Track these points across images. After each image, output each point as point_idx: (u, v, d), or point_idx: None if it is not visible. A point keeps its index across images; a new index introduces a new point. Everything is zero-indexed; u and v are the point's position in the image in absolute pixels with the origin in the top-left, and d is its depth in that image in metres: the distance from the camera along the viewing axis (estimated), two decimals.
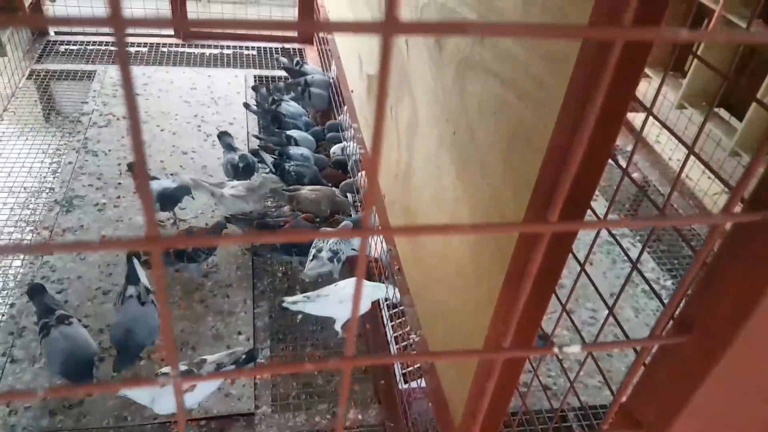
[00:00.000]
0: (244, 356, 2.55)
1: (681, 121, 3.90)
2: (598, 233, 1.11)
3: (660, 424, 0.48)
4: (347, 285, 2.82)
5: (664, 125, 1.02)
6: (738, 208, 0.40)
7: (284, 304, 2.80)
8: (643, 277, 0.96)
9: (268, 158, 3.66)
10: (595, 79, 0.86)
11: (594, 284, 1.03)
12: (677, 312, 0.47)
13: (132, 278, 2.59)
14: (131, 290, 2.56)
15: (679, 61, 3.91)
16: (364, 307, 2.79)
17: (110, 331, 2.57)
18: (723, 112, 3.55)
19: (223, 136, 3.70)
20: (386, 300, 2.80)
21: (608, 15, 0.81)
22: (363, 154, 2.76)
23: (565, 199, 1.03)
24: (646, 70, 3.97)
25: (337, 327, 2.90)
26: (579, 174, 0.99)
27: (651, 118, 1.04)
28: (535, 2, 1.10)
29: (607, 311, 1.13)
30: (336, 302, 2.77)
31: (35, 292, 2.59)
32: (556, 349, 0.40)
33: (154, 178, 3.34)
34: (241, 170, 3.51)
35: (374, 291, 2.75)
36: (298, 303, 2.78)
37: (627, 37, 0.29)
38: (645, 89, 4.38)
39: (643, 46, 0.85)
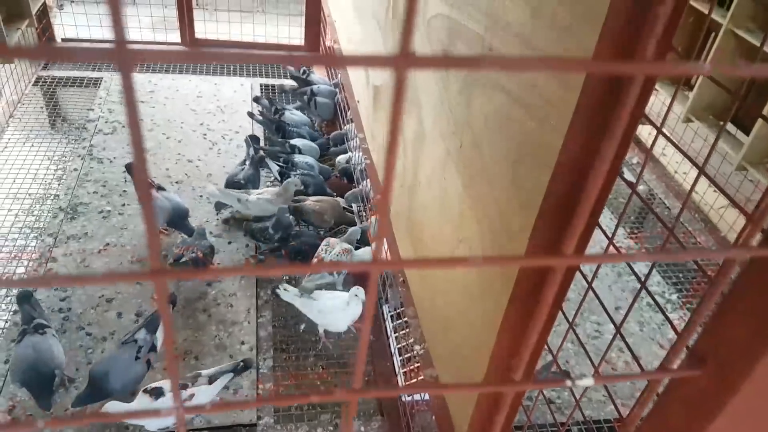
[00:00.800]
0: (241, 363, 2.54)
1: (687, 134, 3.89)
2: (608, 246, 1.09)
3: None
4: (335, 297, 2.83)
5: (674, 145, 1.01)
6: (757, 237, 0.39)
7: (277, 290, 2.86)
8: (653, 300, 0.94)
9: (274, 166, 3.66)
10: (604, 97, 0.85)
11: (600, 301, 1.02)
12: (691, 342, 0.46)
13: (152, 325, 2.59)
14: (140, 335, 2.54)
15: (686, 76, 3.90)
16: (342, 325, 2.84)
17: (91, 367, 2.51)
18: (730, 127, 3.54)
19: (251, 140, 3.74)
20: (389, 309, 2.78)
21: (616, 37, 0.80)
22: (368, 164, 2.76)
23: (571, 216, 1.02)
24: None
25: (319, 331, 2.92)
26: (585, 191, 0.98)
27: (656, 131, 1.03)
28: (542, 18, 1.10)
29: (612, 325, 1.11)
30: (316, 310, 2.80)
31: (22, 299, 2.60)
32: (569, 382, 0.39)
33: (160, 187, 3.34)
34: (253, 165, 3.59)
35: (356, 310, 2.78)
36: (289, 293, 2.85)
37: (645, 71, 0.29)
38: (652, 102, 4.37)
39: (651, 76, 0.84)
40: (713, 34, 3.52)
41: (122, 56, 0.21)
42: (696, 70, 0.30)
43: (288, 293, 2.84)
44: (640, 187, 4.29)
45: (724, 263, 0.37)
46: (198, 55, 0.25)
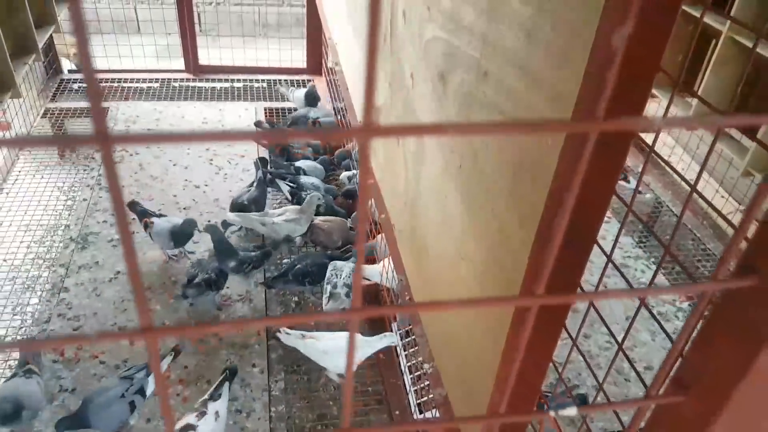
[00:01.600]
0: (227, 372, 2.59)
1: (692, 141, 3.89)
2: (607, 264, 1.10)
3: None
4: (338, 337, 2.72)
5: (668, 165, 1.02)
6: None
7: (278, 335, 2.79)
8: (653, 315, 0.95)
9: (285, 187, 3.69)
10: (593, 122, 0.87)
11: (602, 317, 1.03)
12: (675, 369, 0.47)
13: None
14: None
15: (688, 80, 3.92)
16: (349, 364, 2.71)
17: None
18: (735, 132, 3.54)
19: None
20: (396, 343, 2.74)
21: (603, 64, 0.82)
22: (371, 184, 2.77)
23: (571, 233, 1.03)
24: (654, 90, 3.97)
25: (331, 375, 2.84)
26: (584, 207, 0.99)
27: (664, 135, 1.04)
28: (537, 43, 1.12)
29: (622, 336, 1.12)
30: (321, 351, 2.69)
31: None
32: (552, 413, 0.40)
33: (161, 214, 3.38)
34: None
35: (365, 348, 2.66)
36: (290, 337, 2.76)
37: (601, 129, 0.30)
38: (654, 110, 4.38)
39: (643, 85, 0.86)
40: (714, 41, 3.53)
41: (103, 142, 0.23)
42: (647, 126, 0.31)
43: (289, 336, 2.76)
44: (648, 196, 4.29)
45: (701, 297, 0.38)
46: (177, 137, 0.26)
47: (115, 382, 2.50)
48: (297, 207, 3.46)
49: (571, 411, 0.40)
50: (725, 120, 0.32)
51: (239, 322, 0.31)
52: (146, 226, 3.26)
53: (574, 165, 0.32)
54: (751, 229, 0.43)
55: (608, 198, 0.93)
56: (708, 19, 3.39)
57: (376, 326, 3.06)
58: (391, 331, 2.92)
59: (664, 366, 0.41)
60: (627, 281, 1.11)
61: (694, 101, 3.77)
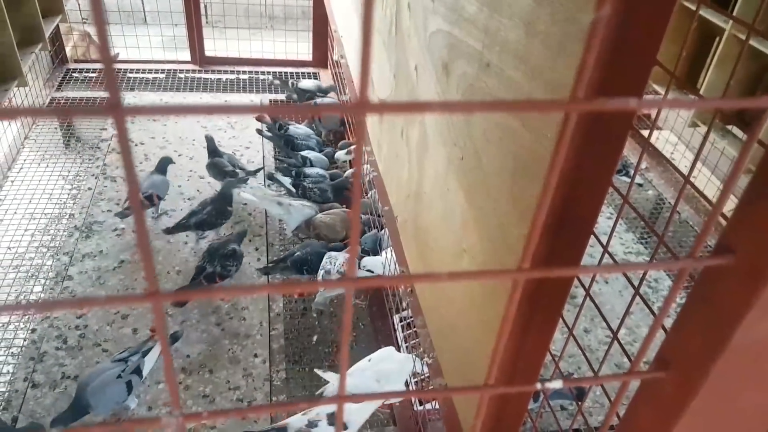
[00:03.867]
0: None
1: (695, 139, 3.90)
2: (603, 255, 1.12)
3: None
4: (383, 360, 2.57)
5: (663, 157, 1.03)
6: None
7: (327, 388, 2.59)
8: (647, 305, 0.97)
9: (286, 180, 3.71)
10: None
11: (598, 307, 1.04)
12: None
13: None
14: None
15: (691, 78, 3.92)
16: (400, 384, 2.51)
17: (79, 378, 2.57)
18: (736, 130, 3.55)
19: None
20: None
21: (600, 52, 0.83)
22: (375, 176, 2.79)
23: (567, 225, 1.05)
24: (657, 88, 3.98)
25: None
26: (580, 200, 1.01)
27: (667, 133, 1.06)
28: (536, 35, 1.13)
29: (618, 332, 1.14)
30: (373, 380, 2.51)
31: None
32: (538, 385, 0.42)
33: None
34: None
35: (403, 364, 2.53)
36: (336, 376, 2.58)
37: (578, 109, 0.32)
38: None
39: (639, 77, 0.87)
40: (717, 39, 3.53)
41: (116, 113, 0.24)
42: (622, 106, 0.33)
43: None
44: (650, 192, 4.30)
45: (679, 274, 0.40)
46: (188, 109, 0.28)
47: (110, 365, 2.52)
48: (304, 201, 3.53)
49: (557, 384, 0.41)
50: (699, 102, 0.33)
51: (244, 288, 0.33)
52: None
53: (558, 147, 0.34)
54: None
55: (605, 189, 0.94)
56: (711, 17, 3.39)
57: (384, 336, 3.08)
58: (393, 323, 2.93)
59: (646, 342, 0.43)
60: (628, 279, 1.13)
61: (695, 99, 3.77)
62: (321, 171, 3.80)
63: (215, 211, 3.37)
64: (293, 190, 3.67)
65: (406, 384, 2.48)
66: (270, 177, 3.75)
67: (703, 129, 3.81)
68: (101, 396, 2.42)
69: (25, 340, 2.89)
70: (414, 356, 2.55)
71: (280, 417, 2.56)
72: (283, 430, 2.34)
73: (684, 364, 0.46)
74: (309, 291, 3.23)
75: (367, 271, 3.11)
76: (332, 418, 2.29)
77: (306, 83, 4.45)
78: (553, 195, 0.99)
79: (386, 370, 2.50)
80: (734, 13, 3.34)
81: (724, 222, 0.44)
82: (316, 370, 2.64)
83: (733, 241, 0.41)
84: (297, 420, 2.34)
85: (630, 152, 4.38)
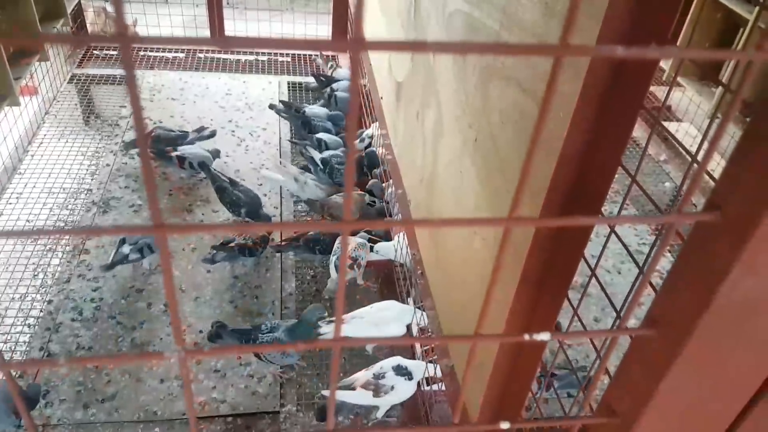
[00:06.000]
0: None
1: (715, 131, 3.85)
2: (608, 237, 1.11)
3: (632, 412, 0.51)
4: (383, 308, 2.72)
5: (672, 137, 1.03)
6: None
7: (322, 336, 2.71)
8: (652, 287, 0.96)
9: (317, 155, 3.72)
10: (604, 89, 0.88)
11: (603, 288, 1.04)
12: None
13: None
14: None
15: (713, 70, 3.87)
16: (399, 330, 2.68)
17: None
18: None
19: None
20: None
21: (616, 31, 0.83)
22: (390, 160, 2.80)
23: (576, 205, 1.05)
24: (679, 80, 3.93)
25: (368, 348, 2.90)
26: (589, 179, 1.01)
27: (687, 125, 1.05)
28: (554, 15, 1.13)
29: (622, 311, 1.14)
30: (372, 325, 2.68)
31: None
32: (526, 336, 0.43)
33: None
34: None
35: (403, 314, 2.68)
36: (333, 325, 2.75)
37: (568, 54, 0.32)
38: (678, 99, 4.33)
39: (650, 61, 0.87)
40: (741, 30, 3.48)
41: (123, 42, 0.25)
42: (609, 52, 0.33)
43: (331, 325, 2.72)
44: (667, 184, 4.26)
45: (667, 230, 0.40)
46: (190, 40, 0.29)
47: None
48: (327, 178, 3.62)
49: (545, 336, 0.42)
50: (684, 51, 0.33)
51: (258, 225, 0.33)
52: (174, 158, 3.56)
53: (548, 91, 0.34)
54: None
55: (614, 167, 0.94)
56: (736, 7, 3.34)
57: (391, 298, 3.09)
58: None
59: (634, 299, 0.43)
60: (635, 262, 1.12)
61: (718, 91, 3.73)
62: (336, 152, 3.81)
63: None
64: (322, 167, 3.68)
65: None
66: (302, 153, 3.79)
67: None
68: None
69: (41, 311, 2.94)
70: (415, 307, 2.66)
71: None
72: (350, 387, 2.46)
73: (671, 321, 0.46)
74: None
75: (380, 255, 3.12)
76: (399, 370, 2.45)
77: (314, 109, 4.35)
78: (564, 172, 0.99)
79: (386, 317, 2.66)
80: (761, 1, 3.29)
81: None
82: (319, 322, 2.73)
83: (721, 198, 0.42)
84: (362, 375, 2.49)
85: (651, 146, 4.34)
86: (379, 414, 2.53)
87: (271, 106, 4.27)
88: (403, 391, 2.42)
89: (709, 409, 0.50)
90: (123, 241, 3.05)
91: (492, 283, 0.40)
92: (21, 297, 3.02)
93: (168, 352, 0.35)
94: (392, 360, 2.49)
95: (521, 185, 0.37)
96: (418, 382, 2.59)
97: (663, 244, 0.39)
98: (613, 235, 1.05)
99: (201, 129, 4.00)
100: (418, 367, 2.50)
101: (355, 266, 3.03)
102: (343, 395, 2.43)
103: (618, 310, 1.04)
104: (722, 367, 0.47)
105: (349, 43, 0.28)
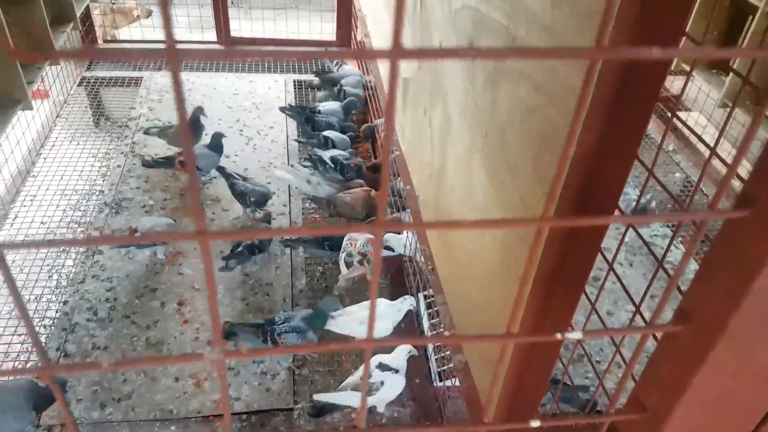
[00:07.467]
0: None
1: (734, 129, 3.83)
2: (625, 233, 1.12)
3: (663, 408, 0.51)
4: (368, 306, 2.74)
5: (686, 126, 1.03)
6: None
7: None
8: (668, 274, 0.97)
9: (325, 155, 3.72)
10: (617, 86, 0.89)
11: (621, 281, 1.05)
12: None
13: None
14: None
15: (722, 59, 3.84)
16: (385, 327, 2.70)
17: None
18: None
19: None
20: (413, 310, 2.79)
21: (632, 22, 0.83)
22: (398, 156, 2.80)
23: (591, 201, 1.05)
24: (688, 68, 3.91)
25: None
26: (605, 176, 1.01)
27: (696, 114, 1.06)
28: (563, 7, 1.13)
29: (641, 313, 1.14)
30: (356, 322, 2.72)
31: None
32: (558, 335, 0.44)
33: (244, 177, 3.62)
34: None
35: (390, 311, 2.70)
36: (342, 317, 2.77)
37: (603, 57, 0.33)
38: (688, 88, 4.30)
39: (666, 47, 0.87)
40: (749, 18, 3.46)
41: (172, 55, 0.26)
42: (646, 54, 0.34)
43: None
44: (677, 175, 4.24)
45: (699, 226, 0.41)
46: (236, 53, 0.30)
47: None
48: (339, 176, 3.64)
49: (577, 335, 0.43)
50: (713, 51, 0.34)
51: (280, 230, 0.34)
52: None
53: (583, 93, 0.35)
54: None
55: (630, 161, 0.94)
56: None
57: (400, 293, 3.10)
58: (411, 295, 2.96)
59: (665, 296, 0.44)
60: (652, 253, 1.13)
61: (727, 79, 3.71)
62: (344, 153, 3.81)
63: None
64: (333, 165, 3.69)
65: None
66: (310, 159, 3.78)
67: (740, 118, 3.75)
68: None
69: (57, 312, 2.97)
70: (404, 298, 2.72)
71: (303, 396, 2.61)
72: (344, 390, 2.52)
73: (704, 316, 0.47)
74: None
75: (388, 248, 3.13)
76: (382, 367, 2.49)
77: (327, 106, 4.34)
78: (579, 167, 1.00)
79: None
80: None
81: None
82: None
83: (754, 193, 0.42)
84: (353, 378, 2.54)
85: (660, 137, 4.32)
86: (381, 410, 2.55)
87: (282, 109, 4.28)
88: (393, 384, 2.46)
89: (741, 403, 0.50)
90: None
91: (523, 282, 0.41)
92: (37, 298, 3.05)
93: (207, 353, 0.36)
94: (373, 360, 2.50)
95: (554, 187, 0.37)
96: (431, 378, 2.60)
97: (693, 240, 0.40)
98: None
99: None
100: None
101: (365, 261, 3.04)
102: (336, 397, 2.47)
103: (637, 304, 1.04)
104: (754, 362, 0.48)
105: (389, 52, 0.29)
